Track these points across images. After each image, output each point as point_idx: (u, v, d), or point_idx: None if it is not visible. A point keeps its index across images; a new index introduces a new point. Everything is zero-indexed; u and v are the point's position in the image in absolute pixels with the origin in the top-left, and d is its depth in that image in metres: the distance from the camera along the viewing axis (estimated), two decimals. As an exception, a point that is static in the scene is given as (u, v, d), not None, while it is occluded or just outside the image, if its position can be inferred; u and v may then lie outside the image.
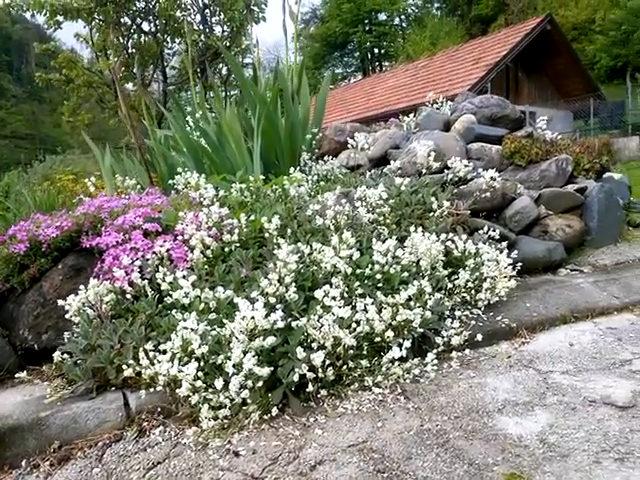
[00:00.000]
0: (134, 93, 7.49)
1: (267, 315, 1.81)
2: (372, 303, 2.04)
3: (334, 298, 1.94)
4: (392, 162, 3.38)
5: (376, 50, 36.55)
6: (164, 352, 1.89)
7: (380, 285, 2.27)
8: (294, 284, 2.09)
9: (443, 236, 2.55)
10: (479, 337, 2.19)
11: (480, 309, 2.47)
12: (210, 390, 1.81)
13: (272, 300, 1.95)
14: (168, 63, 7.38)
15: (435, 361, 2.06)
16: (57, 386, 2.08)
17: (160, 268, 2.15)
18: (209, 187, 2.85)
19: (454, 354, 2.17)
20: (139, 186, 3.34)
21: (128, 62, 7.32)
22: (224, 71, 7.98)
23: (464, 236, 2.59)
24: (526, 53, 19.08)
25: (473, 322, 2.31)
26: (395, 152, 4.59)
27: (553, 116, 20.50)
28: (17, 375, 2.07)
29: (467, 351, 2.21)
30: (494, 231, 2.89)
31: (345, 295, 2.13)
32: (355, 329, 1.94)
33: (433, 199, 2.79)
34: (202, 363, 1.84)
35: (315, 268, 2.24)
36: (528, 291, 2.74)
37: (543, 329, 2.43)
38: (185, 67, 7.75)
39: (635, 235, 3.64)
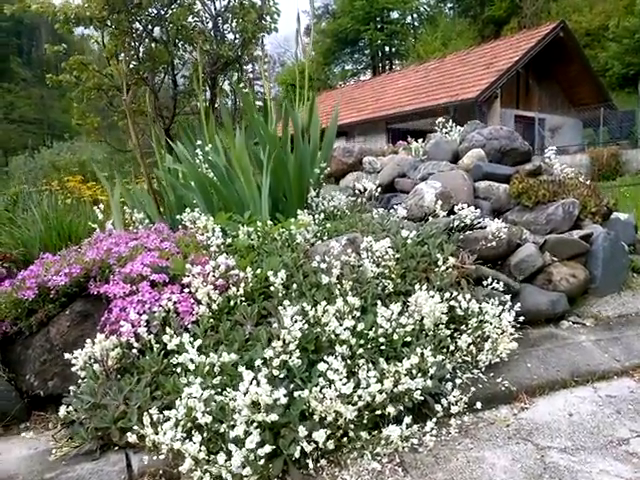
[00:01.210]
0: (142, 96, 7.53)
1: (271, 390, 1.83)
2: (374, 376, 2.06)
3: (337, 371, 1.96)
4: (399, 208, 3.40)
5: (387, 48, 36.36)
6: (168, 418, 1.92)
7: (383, 348, 2.29)
8: (298, 348, 2.12)
9: (447, 295, 2.58)
10: (479, 405, 2.20)
11: (481, 369, 2.49)
12: (212, 459, 1.84)
13: (276, 372, 1.98)
14: (179, 71, 7.37)
15: (434, 430, 2.09)
16: (62, 441, 2.11)
17: (168, 329, 2.18)
18: (217, 230, 2.87)
19: (453, 421, 2.18)
20: (147, 220, 3.37)
21: (139, 68, 7.32)
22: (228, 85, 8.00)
23: (468, 295, 2.60)
24: (538, 59, 18.97)
25: (473, 388, 2.33)
26: (402, 181, 4.61)
27: (563, 124, 20.45)
28: (23, 435, 2.11)
29: (466, 417, 2.22)
30: (498, 283, 2.91)
31: (348, 361, 2.15)
32: (357, 402, 1.97)
33: (439, 254, 2.80)
34: (205, 433, 1.88)
35: (319, 330, 2.26)
36: (529, 349, 2.76)
37: (543, 393, 2.45)
38: (195, 75, 7.75)
39: (639, 282, 3.65)
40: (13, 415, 2.31)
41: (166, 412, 1.94)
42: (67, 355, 2.19)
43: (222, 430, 1.90)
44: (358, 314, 2.34)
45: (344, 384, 1.93)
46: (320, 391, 1.97)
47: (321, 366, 1.99)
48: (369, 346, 2.26)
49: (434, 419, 2.12)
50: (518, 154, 4.55)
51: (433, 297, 2.46)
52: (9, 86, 40.89)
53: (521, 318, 2.77)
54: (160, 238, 2.96)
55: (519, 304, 2.81)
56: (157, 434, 1.86)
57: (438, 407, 2.16)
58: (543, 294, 3.19)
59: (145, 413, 1.93)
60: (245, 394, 1.83)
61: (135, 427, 1.91)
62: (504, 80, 18.02)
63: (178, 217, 3.26)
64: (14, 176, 33.54)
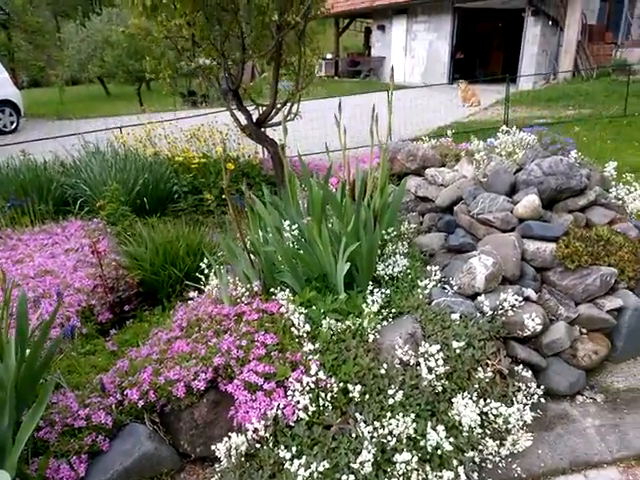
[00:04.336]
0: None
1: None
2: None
3: (398, 493, 2.93)
4: (453, 281, 4.05)
5: None
6: (286, 509, 2.99)
7: (430, 450, 3.21)
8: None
9: (482, 402, 3.40)
10: (495, 494, 3.17)
11: (502, 457, 3.40)
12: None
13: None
14: (246, 35, 7.45)
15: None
16: (215, 501, 3.27)
17: (278, 444, 3.16)
18: (307, 327, 3.69)
19: (476, 508, 3.17)
20: (248, 286, 4.19)
21: (208, 34, 7.45)
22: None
23: (497, 404, 3.40)
24: None
25: (493, 474, 3.25)
26: (460, 213, 5.09)
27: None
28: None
29: (485, 504, 3.20)
30: (527, 372, 3.69)
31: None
32: (409, 511, 2.96)
33: (481, 355, 3.56)
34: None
35: (384, 440, 3.19)
36: (543, 432, 3.60)
37: (546, 479, 3.36)
38: (257, 43, 8.00)
39: (657, 345, 4.26)
40: (175, 469, 3.48)
41: (284, 504, 3.01)
42: (213, 447, 3.24)
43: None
44: (413, 426, 3.23)
45: (402, 504, 2.91)
46: (385, 499, 2.97)
47: (387, 487, 2.96)
48: (420, 455, 3.18)
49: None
50: (572, 192, 4.88)
51: (471, 403, 3.32)
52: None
53: (542, 400, 3.62)
54: (260, 317, 3.83)
55: (542, 386, 3.63)
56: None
57: (466, 502, 3.14)
58: (565, 373, 3.92)
59: (271, 504, 3.01)
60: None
61: (266, 514, 3.00)
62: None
63: (272, 290, 4.08)
64: (68, 46, 33.18)
